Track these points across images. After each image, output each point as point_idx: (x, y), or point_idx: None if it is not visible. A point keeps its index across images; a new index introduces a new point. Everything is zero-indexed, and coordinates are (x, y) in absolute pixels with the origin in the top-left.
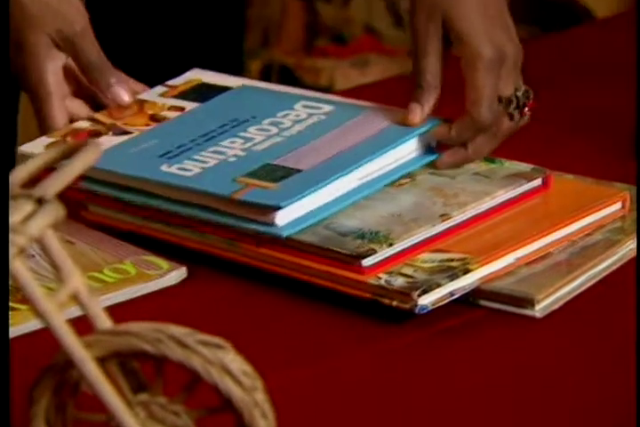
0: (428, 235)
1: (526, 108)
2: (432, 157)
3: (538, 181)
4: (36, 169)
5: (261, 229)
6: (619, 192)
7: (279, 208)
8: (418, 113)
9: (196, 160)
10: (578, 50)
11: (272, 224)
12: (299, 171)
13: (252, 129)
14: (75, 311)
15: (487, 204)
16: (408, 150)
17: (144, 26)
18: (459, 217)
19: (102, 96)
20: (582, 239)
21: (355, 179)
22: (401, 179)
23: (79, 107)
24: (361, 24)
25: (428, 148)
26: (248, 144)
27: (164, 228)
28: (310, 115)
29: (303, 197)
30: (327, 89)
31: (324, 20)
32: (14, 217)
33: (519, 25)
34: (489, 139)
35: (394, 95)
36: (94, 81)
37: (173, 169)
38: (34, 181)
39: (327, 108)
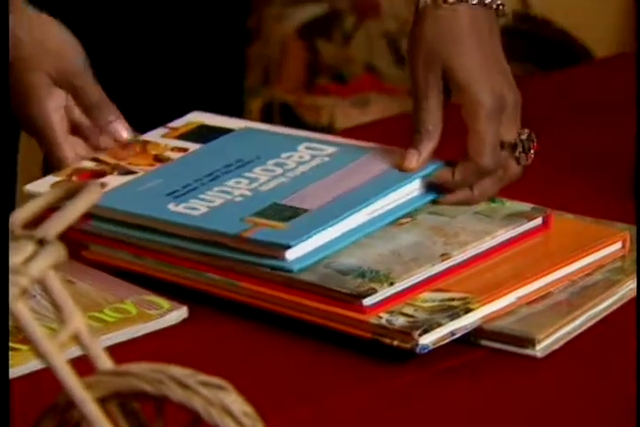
0: (428, 274)
1: (532, 151)
2: (435, 196)
3: (538, 221)
4: (38, 209)
5: (273, 263)
6: (619, 232)
7: (289, 247)
8: (414, 159)
9: (203, 200)
10: (577, 89)
11: (283, 260)
12: (305, 210)
13: (256, 169)
14: (75, 351)
15: (488, 243)
16: (411, 190)
17: (144, 65)
18: (459, 256)
19: (94, 138)
20: (582, 279)
21: (359, 218)
22: (404, 217)
23: (78, 145)
24: (361, 63)
25: (432, 187)
26: (254, 184)
27: (165, 267)
28: (314, 156)
29: (311, 236)
30: (328, 127)
31: (325, 58)
32: (16, 258)
33: (517, 63)
34: (495, 182)
35: (394, 134)
36: (94, 118)
37: (180, 208)
38: (36, 220)
39: (330, 149)
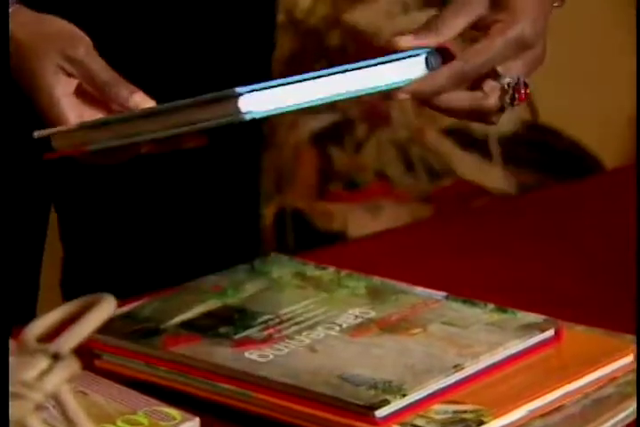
0: (441, 386)
1: (517, 98)
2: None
3: (550, 333)
4: (52, 323)
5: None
6: (630, 344)
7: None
8: (405, 39)
9: None
10: (587, 200)
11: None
12: None
13: None
14: None
15: (501, 354)
16: (388, 69)
17: (161, 176)
18: (472, 368)
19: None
20: (595, 392)
21: (325, 81)
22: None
23: None
24: (373, 170)
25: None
26: None
27: (178, 377)
28: None
29: (265, 87)
30: (340, 233)
31: (337, 165)
32: (30, 372)
33: (526, 172)
34: (466, 99)
35: (407, 244)
36: (113, 96)
37: None
38: (51, 334)
39: None
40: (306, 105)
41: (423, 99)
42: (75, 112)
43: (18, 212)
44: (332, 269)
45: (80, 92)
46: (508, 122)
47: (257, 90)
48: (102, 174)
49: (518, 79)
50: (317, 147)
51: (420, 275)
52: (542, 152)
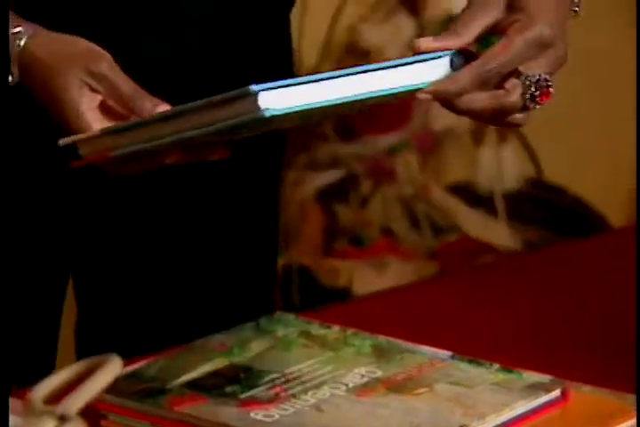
0: None
1: (539, 96)
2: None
3: (556, 393)
4: (59, 384)
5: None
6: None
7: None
8: (426, 41)
9: None
10: (595, 259)
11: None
12: None
13: None
14: None
15: (506, 415)
16: (409, 71)
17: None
18: None
19: None
20: None
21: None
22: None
23: None
24: (378, 226)
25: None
26: None
27: None
28: None
29: (285, 86)
30: (345, 290)
31: (343, 221)
32: None
33: (531, 229)
34: (487, 97)
35: (413, 303)
36: (137, 109)
37: None
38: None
39: None
40: (325, 103)
41: (445, 99)
42: (99, 126)
43: (38, 276)
44: (337, 328)
45: (104, 108)
46: (512, 179)
47: (275, 88)
48: (114, 237)
49: (540, 76)
50: (322, 203)
51: (425, 333)
52: (547, 209)
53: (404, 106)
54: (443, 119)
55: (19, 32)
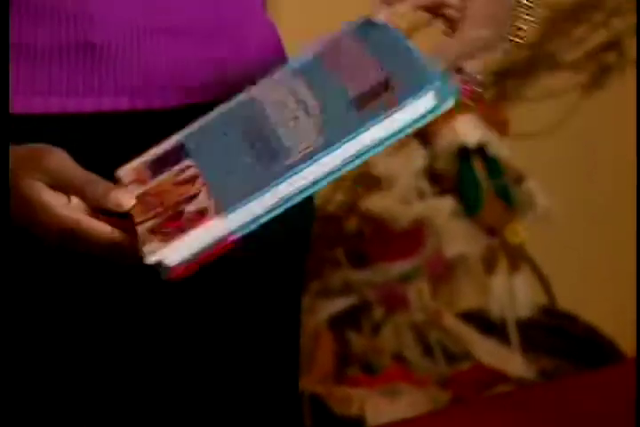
0: None
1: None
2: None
3: None
4: None
5: None
6: None
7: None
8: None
9: None
10: (609, 389)
11: None
12: None
13: None
14: None
15: None
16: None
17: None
18: None
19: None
20: None
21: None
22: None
23: None
24: (390, 353)
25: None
26: None
27: None
28: None
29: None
30: (357, 418)
31: (355, 348)
32: None
33: (547, 357)
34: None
35: None
36: (89, 196)
37: None
38: None
39: None
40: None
41: None
42: (83, 215)
43: None
44: None
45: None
46: (524, 307)
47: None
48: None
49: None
50: (334, 330)
51: None
52: (560, 338)
53: (417, 233)
54: (454, 246)
55: None
